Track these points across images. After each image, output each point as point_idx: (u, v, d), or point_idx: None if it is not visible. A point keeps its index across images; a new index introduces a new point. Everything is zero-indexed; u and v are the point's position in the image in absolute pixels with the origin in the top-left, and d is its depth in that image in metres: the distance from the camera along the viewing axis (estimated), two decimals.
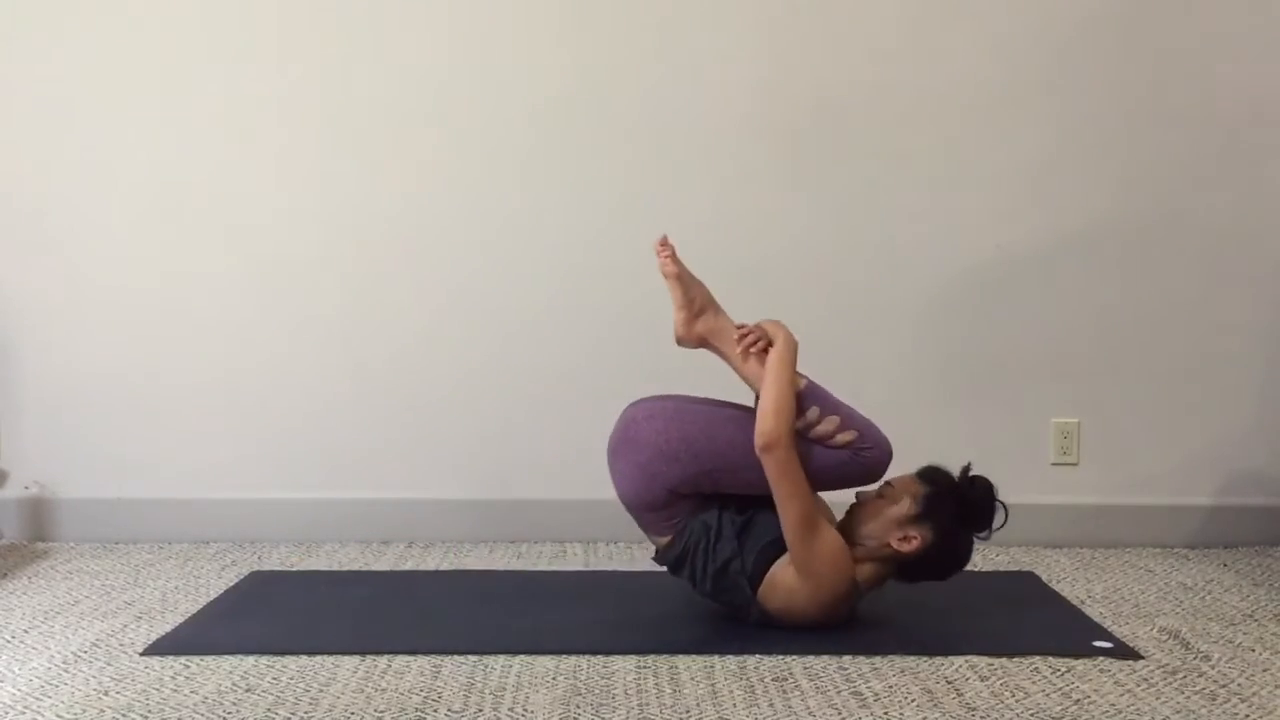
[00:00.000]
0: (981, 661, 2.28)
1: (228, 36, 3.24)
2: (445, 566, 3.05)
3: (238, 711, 2.04)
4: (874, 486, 2.48)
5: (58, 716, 2.03)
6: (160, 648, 2.37)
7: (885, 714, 2.04)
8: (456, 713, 2.04)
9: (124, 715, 2.03)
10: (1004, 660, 2.29)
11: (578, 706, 2.06)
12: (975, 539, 2.45)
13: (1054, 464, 3.30)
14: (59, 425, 3.31)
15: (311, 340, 3.29)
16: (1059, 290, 3.27)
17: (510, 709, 2.05)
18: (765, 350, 2.45)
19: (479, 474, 3.29)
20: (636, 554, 3.15)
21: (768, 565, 2.41)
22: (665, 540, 2.48)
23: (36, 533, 3.32)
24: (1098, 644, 2.38)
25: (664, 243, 2.54)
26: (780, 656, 2.30)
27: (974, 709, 2.06)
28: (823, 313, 3.28)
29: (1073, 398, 3.29)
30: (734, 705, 2.07)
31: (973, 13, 3.22)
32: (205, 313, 3.29)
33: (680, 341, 2.55)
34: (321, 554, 3.16)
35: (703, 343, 2.54)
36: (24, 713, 2.05)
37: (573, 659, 2.29)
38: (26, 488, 3.33)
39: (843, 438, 2.42)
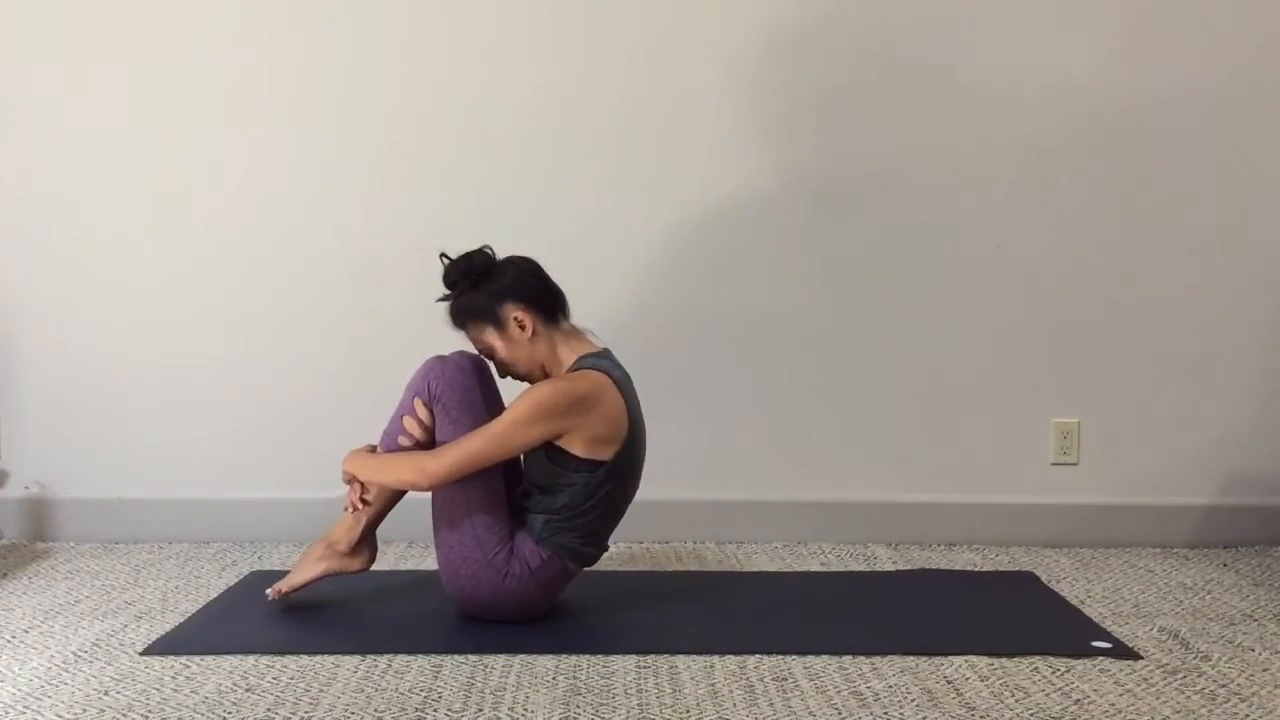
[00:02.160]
0: (981, 661, 2.28)
1: (228, 36, 3.24)
2: None
3: (238, 711, 2.04)
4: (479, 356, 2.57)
5: (58, 716, 2.03)
6: (160, 648, 2.37)
7: (885, 714, 2.04)
8: (456, 713, 2.04)
9: (124, 715, 2.03)
10: (1004, 660, 2.29)
11: (578, 706, 2.06)
12: (494, 261, 2.52)
13: (1054, 464, 3.30)
14: (59, 425, 3.31)
15: (312, 340, 3.29)
16: (1059, 290, 3.27)
17: (510, 709, 2.05)
18: (361, 486, 2.55)
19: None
20: (636, 553, 3.15)
21: (569, 458, 2.42)
22: (571, 567, 2.50)
23: (36, 533, 3.32)
24: (1097, 644, 2.38)
25: (271, 593, 2.59)
26: (780, 656, 2.31)
27: (974, 709, 2.06)
28: (823, 313, 3.28)
29: (1073, 398, 3.29)
30: (734, 705, 2.07)
31: (967, 11, 3.22)
32: (206, 313, 3.29)
33: (365, 567, 2.63)
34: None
35: (362, 547, 2.61)
36: (24, 713, 2.05)
37: (573, 659, 2.30)
38: (26, 488, 3.33)
39: (423, 412, 2.49)
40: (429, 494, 2.50)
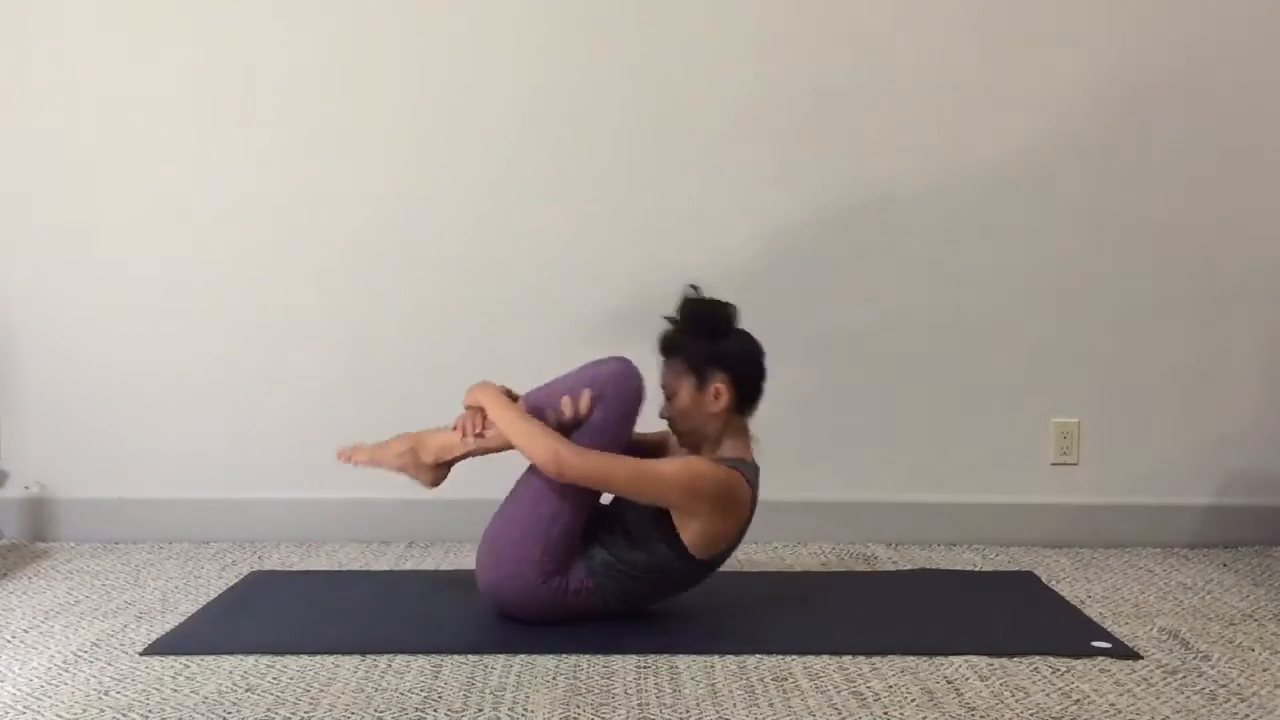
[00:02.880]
0: (981, 661, 2.28)
1: (228, 37, 3.23)
2: (445, 566, 3.05)
3: (238, 711, 2.04)
4: (660, 401, 2.53)
5: (58, 716, 2.03)
6: (160, 648, 2.37)
7: (885, 714, 2.04)
8: (456, 713, 2.04)
9: (124, 715, 2.03)
10: (1004, 660, 2.29)
11: (578, 706, 2.06)
12: (735, 327, 2.51)
13: (1054, 464, 3.30)
14: (59, 425, 3.31)
15: (312, 340, 3.29)
16: (1059, 290, 3.27)
17: (510, 709, 2.05)
18: (484, 419, 2.50)
19: (479, 474, 3.28)
20: None
21: (675, 534, 2.41)
22: (599, 604, 2.47)
23: (36, 533, 3.32)
24: (1097, 644, 2.38)
25: (341, 457, 2.62)
26: (780, 656, 2.31)
27: (974, 709, 2.06)
28: (823, 313, 3.28)
29: (1073, 398, 3.29)
30: (734, 705, 2.07)
31: (969, 11, 3.22)
32: (206, 313, 3.29)
33: (431, 485, 2.61)
34: (321, 554, 3.16)
35: (444, 468, 2.59)
36: (24, 713, 2.05)
37: (573, 659, 2.29)
38: (26, 488, 3.33)
39: (585, 403, 2.44)
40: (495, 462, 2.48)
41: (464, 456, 2.57)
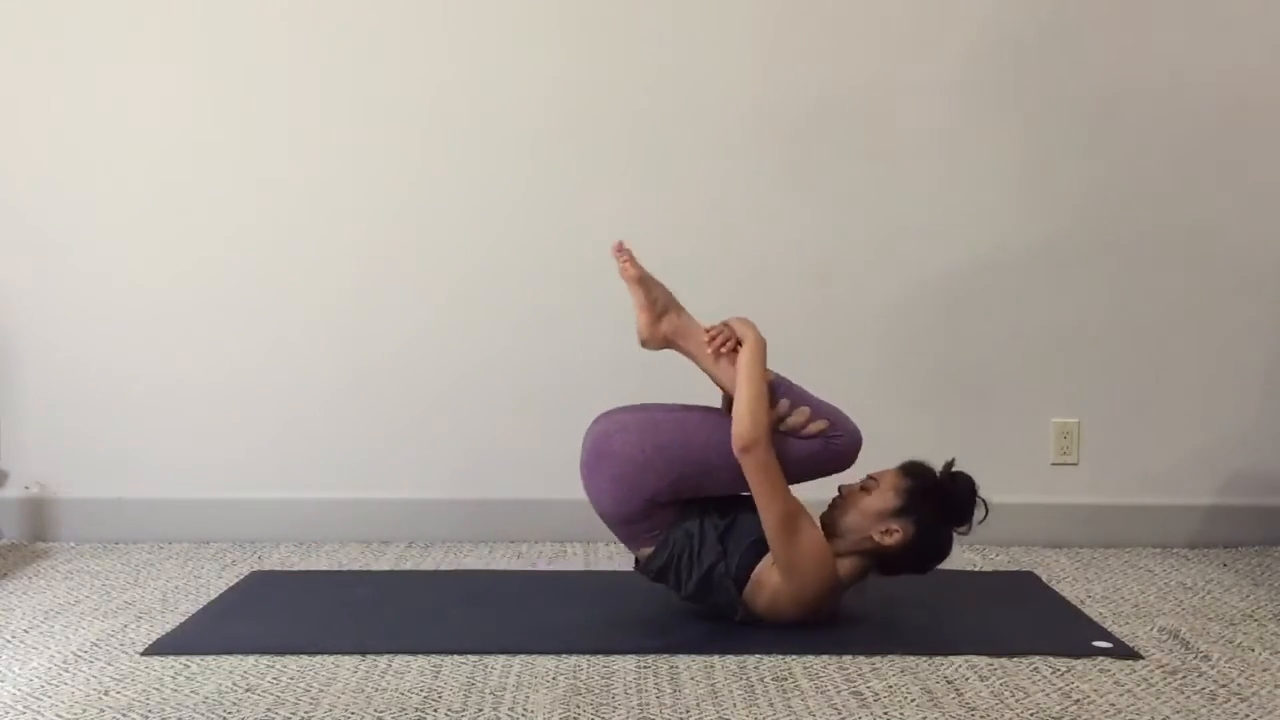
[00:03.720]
0: (981, 661, 2.28)
1: (228, 38, 3.24)
2: (445, 566, 3.05)
3: (238, 711, 2.04)
4: (857, 481, 2.50)
5: (58, 716, 2.03)
6: (160, 648, 2.37)
7: (885, 714, 2.04)
8: (456, 713, 2.04)
9: (124, 715, 2.03)
10: (1004, 660, 2.29)
11: (578, 706, 2.06)
12: (955, 534, 2.47)
13: (1054, 464, 3.30)
14: (59, 425, 3.31)
15: (312, 340, 3.29)
16: (1059, 290, 3.27)
17: (510, 709, 2.05)
18: (735, 350, 2.45)
19: (479, 474, 3.29)
20: None
21: (752, 566, 2.42)
22: (648, 551, 2.47)
23: (36, 533, 3.32)
24: (1097, 644, 2.38)
25: (620, 247, 2.53)
26: (780, 656, 2.30)
27: (974, 709, 2.06)
28: (822, 312, 3.28)
29: (1073, 398, 3.29)
30: (734, 705, 2.07)
31: (968, 11, 3.22)
32: (206, 313, 3.29)
33: (645, 344, 2.54)
34: (321, 554, 3.16)
35: (669, 343, 2.53)
36: (24, 713, 2.05)
37: (573, 659, 2.29)
38: (26, 488, 3.33)
39: (814, 427, 2.44)
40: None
41: (687, 355, 2.51)
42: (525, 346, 3.26)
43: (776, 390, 2.44)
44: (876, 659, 2.30)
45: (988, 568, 3.04)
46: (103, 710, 2.05)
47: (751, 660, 2.29)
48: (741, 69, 3.23)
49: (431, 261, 3.28)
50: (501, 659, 2.30)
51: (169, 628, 2.51)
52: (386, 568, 3.04)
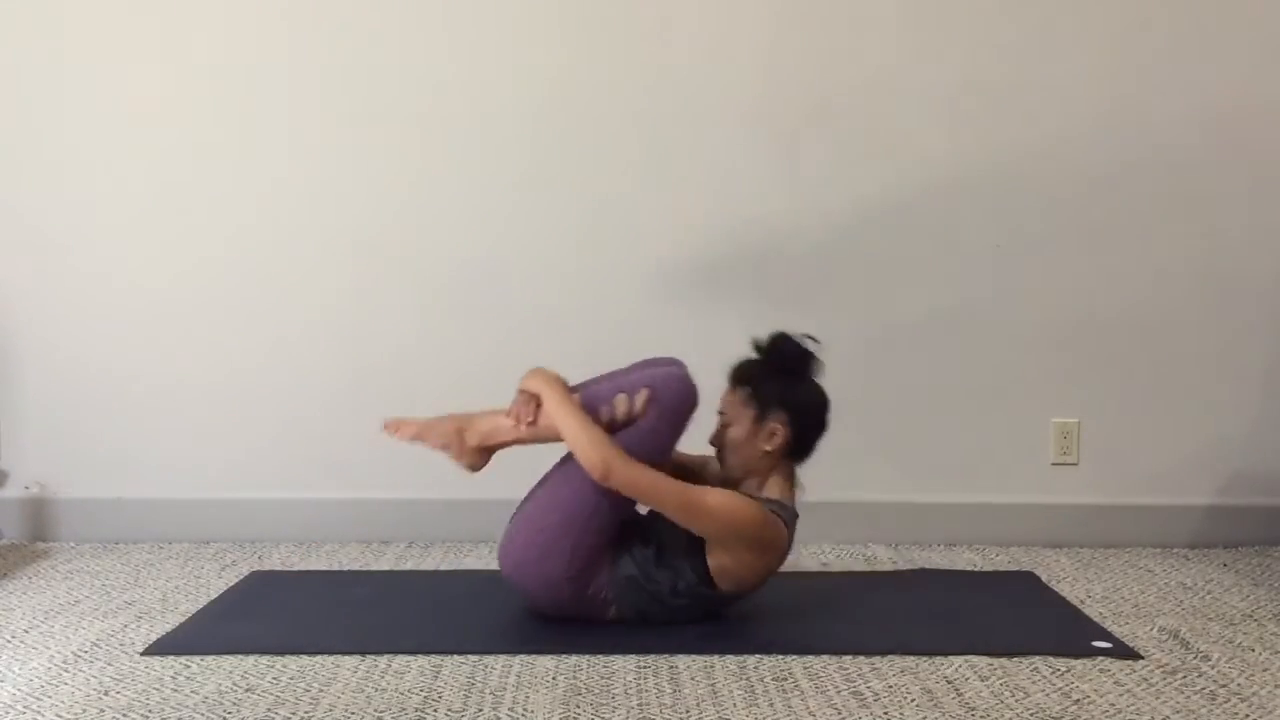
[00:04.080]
0: (981, 661, 2.28)
1: (228, 39, 3.24)
2: (445, 566, 3.05)
3: (238, 711, 2.04)
4: (715, 423, 2.52)
5: (58, 716, 2.03)
6: (160, 648, 2.37)
7: (885, 714, 2.04)
8: (456, 713, 2.04)
9: (124, 715, 2.03)
10: (1004, 660, 2.29)
11: (578, 706, 2.06)
12: (813, 376, 2.49)
13: (1054, 464, 3.30)
14: (59, 425, 3.31)
15: (312, 340, 3.29)
16: (1059, 290, 3.27)
17: (510, 709, 2.05)
18: (538, 407, 2.46)
19: (479, 474, 3.28)
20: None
21: (704, 561, 2.41)
22: (613, 613, 2.47)
23: (36, 533, 3.32)
24: (1097, 644, 2.38)
25: (387, 427, 2.57)
26: (780, 656, 2.31)
27: (974, 709, 2.06)
28: (822, 313, 3.27)
29: (1073, 398, 3.29)
30: (734, 705, 2.07)
31: (970, 10, 3.22)
32: (206, 313, 3.29)
33: (471, 469, 2.57)
34: (321, 554, 3.16)
35: (488, 451, 2.55)
36: (24, 713, 2.05)
37: (573, 659, 2.29)
38: (26, 488, 3.33)
39: (640, 402, 2.42)
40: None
41: (511, 444, 2.53)
42: (525, 346, 3.25)
43: (590, 403, 2.44)
44: (876, 659, 2.30)
45: (988, 568, 3.04)
46: (103, 710, 2.05)
47: (751, 660, 2.29)
48: (742, 68, 3.23)
49: (431, 261, 3.28)
50: (501, 659, 2.30)
51: (169, 628, 2.51)
52: (386, 568, 3.04)
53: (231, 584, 2.85)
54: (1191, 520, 3.28)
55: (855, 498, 3.29)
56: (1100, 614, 2.61)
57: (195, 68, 3.24)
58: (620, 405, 2.43)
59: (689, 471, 2.54)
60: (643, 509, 2.49)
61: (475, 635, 2.44)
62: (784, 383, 2.48)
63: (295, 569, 3.02)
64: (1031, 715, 2.03)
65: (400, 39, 3.24)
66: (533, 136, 3.25)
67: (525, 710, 2.05)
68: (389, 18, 3.23)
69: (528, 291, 3.28)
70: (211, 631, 2.49)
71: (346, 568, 3.04)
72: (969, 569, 3.03)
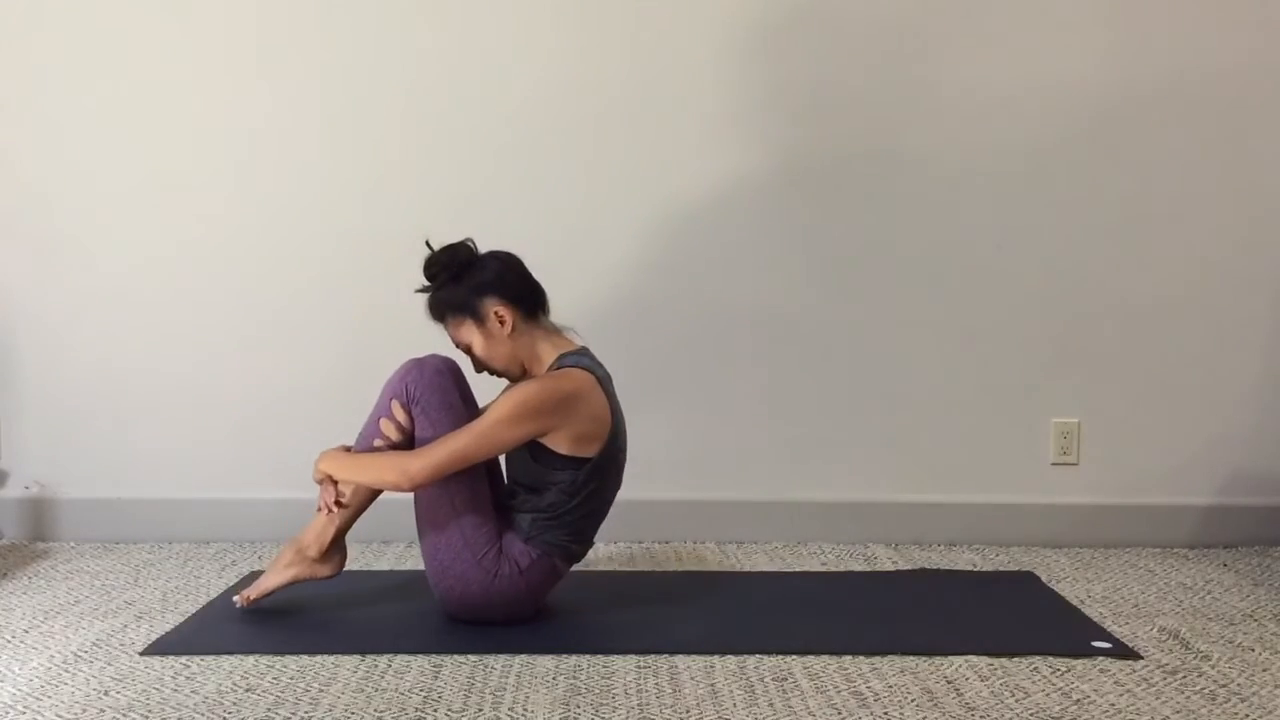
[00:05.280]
0: (981, 661, 2.28)
1: (228, 36, 3.24)
2: None
3: (238, 711, 2.04)
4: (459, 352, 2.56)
5: (58, 716, 2.03)
6: (160, 648, 2.37)
7: (885, 714, 2.04)
8: (456, 713, 2.04)
9: (124, 715, 2.03)
10: (1004, 660, 2.29)
11: (578, 706, 2.06)
12: (476, 255, 2.51)
13: (1054, 464, 3.30)
14: (59, 425, 3.31)
15: (312, 340, 3.29)
16: (1059, 290, 3.27)
17: (510, 709, 2.05)
18: (334, 484, 2.48)
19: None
20: (636, 553, 3.15)
21: (554, 456, 2.43)
22: (565, 560, 2.51)
23: (36, 533, 3.32)
24: (1097, 644, 2.38)
25: (239, 603, 2.58)
26: (780, 656, 2.31)
27: (974, 709, 2.06)
28: (823, 312, 3.28)
29: (1073, 398, 3.29)
30: (734, 705, 2.07)
31: (967, 10, 3.22)
32: (206, 313, 3.29)
33: (334, 573, 2.61)
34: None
35: (332, 548, 2.58)
36: (24, 713, 2.05)
37: (573, 659, 2.29)
38: (26, 488, 3.33)
39: (400, 414, 2.47)
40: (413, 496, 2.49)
41: (343, 530, 2.58)
42: None
43: (366, 447, 2.49)
44: (876, 659, 2.30)
45: (988, 568, 3.04)
46: (103, 710, 2.05)
47: (751, 660, 2.29)
48: (726, 61, 3.23)
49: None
50: (501, 659, 2.30)
51: (169, 628, 2.51)
52: (386, 567, 3.04)
53: (231, 584, 2.85)
54: (1191, 520, 3.28)
55: (855, 498, 3.29)
56: (1100, 614, 2.61)
57: (190, 65, 3.24)
58: (387, 429, 2.48)
59: None
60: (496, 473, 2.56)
61: (475, 635, 2.43)
62: (460, 282, 2.49)
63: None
64: (1031, 715, 2.03)
65: (392, 36, 3.24)
66: (526, 130, 3.24)
67: (525, 710, 2.05)
68: (382, 14, 3.23)
69: None
70: (211, 631, 2.49)
71: (346, 568, 3.03)
72: (969, 569, 3.03)
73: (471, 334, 2.50)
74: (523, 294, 2.52)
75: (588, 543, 2.55)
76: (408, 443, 2.47)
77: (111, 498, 3.30)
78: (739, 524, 3.29)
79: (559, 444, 2.43)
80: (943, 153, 3.24)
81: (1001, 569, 3.02)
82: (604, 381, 2.50)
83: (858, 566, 3.05)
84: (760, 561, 3.09)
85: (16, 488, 3.33)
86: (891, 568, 3.04)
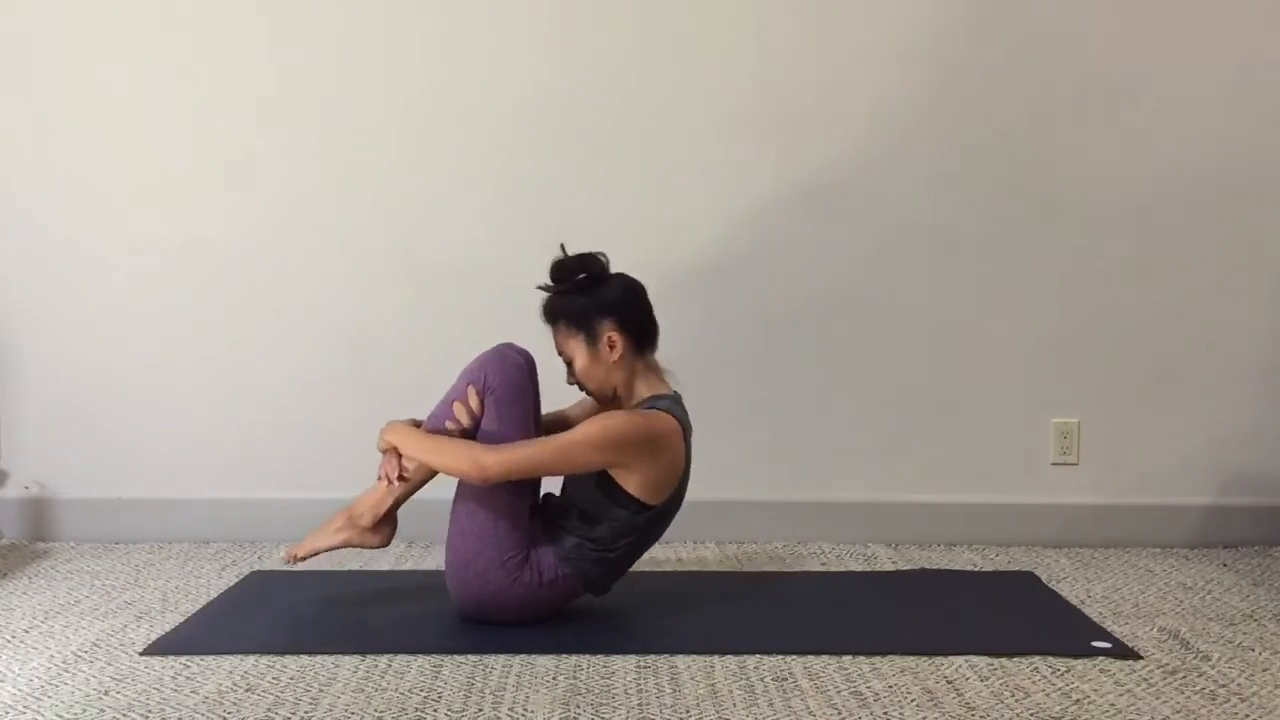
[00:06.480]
0: (981, 661, 2.28)
1: (228, 36, 3.24)
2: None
3: (238, 711, 2.04)
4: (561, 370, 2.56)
5: (58, 716, 2.03)
6: (160, 648, 2.37)
7: (885, 714, 2.04)
8: (456, 713, 2.04)
9: (124, 715, 2.03)
10: (1004, 660, 2.29)
11: (578, 706, 2.06)
12: (608, 273, 2.51)
13: (1054, 464, 3.30)
14: (59, 425, 3.31)
15: (312, 340, 3.29)
16: (1059, 290, 3.27)
17: (510, 709, 2.05)
18: (400, 458, 2.48)
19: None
20: None
21: (620, 491, 2.41)
22: (579, 588, 2.48)
23: (36, 533, 3.32)
24: (1097, 644, 2.38)
25: (287, 560, 2.61)
26: (780, 656, 2.31)
27: (974, 709, 2.06)
28: (822, 313, 3.28)
29: (1073, 398, 3.29)
30: (734, 705, 2.07)
31: (966, 7, 3.22)
32: (206, 313, 3.29)
33: (383, 544, 2.60)
34: (321, 554, 3.15)
35: (386, 520, 2.58)
36: (24, 713, 2.05)
37: (573, 659, 2.29)
38: (26, 488, 3.33)
39: (474, 400, 2.45)
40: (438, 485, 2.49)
41: (398, 503, 2.57)
42: (525, 344, 3.25)
43: (436, 428, 2.47)
44: (876, 659, 2.30)
45: (988, 568, 3.04)
46: (103, 710, 2.05)
47: (751, 660, 2.29)
48: (735, 69, 3.23)
49: (431, 259, 3.28)
50: (501, 659, 2.30)
51: (169, 628, 2.51)
52: (386, 568, 3.04)
53: (231, 584, 2.85)
54: (1191, 520, 3.28)
55: (855, 498, 3.30)
56: (1100, 614, 2.61)
57: (192, 66, 3.24)
58: (460, 412, 2.46)
59: (559, 427, 2.54)
60: (553, 487, 2.54)
61: (475, 635, 2.43)
62: (586, 295, 2.49)
63: (295, 569, 3.01)
64: (1031, 715, 2.03)
65: (394, 37, 3.24)
66: (530, 138, 3.24)
67: (525, 710, 2.05)
68: (385, 16, 3.23)
69: (527, 292, 3.27)
70: (211, 631, 2.49)
71: (346, 568, 3.04)
72: (969, 569, 3.03)
73: (578, 349, 2.50)
74: (639, 325, 2.51)
75: (615, 580, 2.53)
76: (476, 428, 2.45)
77: (111, 498, 3.30)
78: (739, 524, 3.28)
79: (629, 482, 2.42)
80: (942, 153, 3.24)
81: (1001, 569, 3.02)
82: (687, 433, 2.50)
83: (858, 566, 3.05)
84: (761, 561, 3.09)
85: (16, 488, 3.34)
86: (891, 568, 3.04)
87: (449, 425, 2.47)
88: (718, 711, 2.05)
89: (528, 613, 2.47)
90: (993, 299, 3.27)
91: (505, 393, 2.46)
